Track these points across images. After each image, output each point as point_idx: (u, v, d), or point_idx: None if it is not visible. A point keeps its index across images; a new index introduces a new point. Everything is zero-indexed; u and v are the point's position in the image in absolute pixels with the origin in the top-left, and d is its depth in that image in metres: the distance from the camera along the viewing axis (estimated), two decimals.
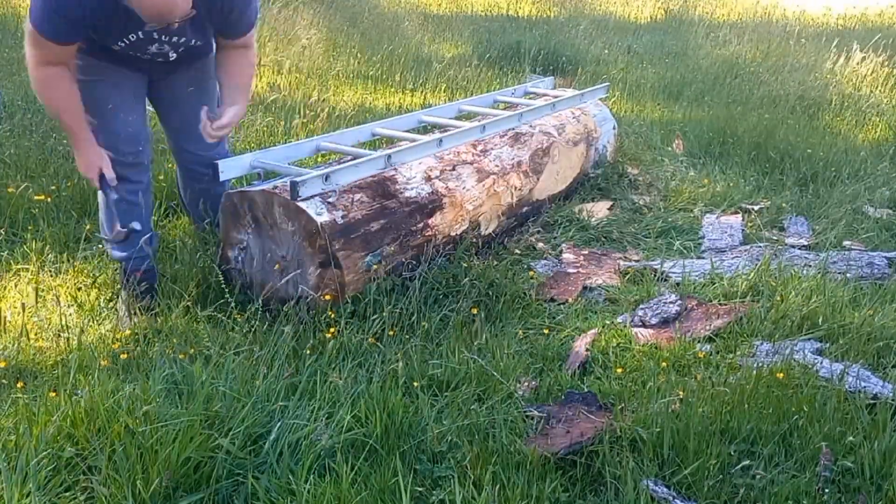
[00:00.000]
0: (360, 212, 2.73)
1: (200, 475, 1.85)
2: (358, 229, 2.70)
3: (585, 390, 2.30)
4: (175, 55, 2.52)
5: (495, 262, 3.16)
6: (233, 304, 2.52)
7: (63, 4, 2.19)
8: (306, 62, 6.65)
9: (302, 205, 2.59)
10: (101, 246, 3.10)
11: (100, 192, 2.66)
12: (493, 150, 3.48)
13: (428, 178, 3.07)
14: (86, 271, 2.89)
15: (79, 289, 2.79)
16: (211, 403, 2.01)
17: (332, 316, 2.54)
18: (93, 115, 2.49)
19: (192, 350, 2.38)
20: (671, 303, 2.86)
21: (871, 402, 2.21)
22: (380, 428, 2.03)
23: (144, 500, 1.74)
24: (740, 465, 1.94)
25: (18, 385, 2.15)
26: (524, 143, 3.65)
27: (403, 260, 2.87)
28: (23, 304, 2.49)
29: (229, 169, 2.80)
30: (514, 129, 3.70)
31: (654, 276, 3.18)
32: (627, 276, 3.21)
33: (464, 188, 3.16)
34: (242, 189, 2.79)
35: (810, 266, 3.17)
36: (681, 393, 2.21)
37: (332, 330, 2.47)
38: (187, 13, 2.22)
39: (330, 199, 2.68)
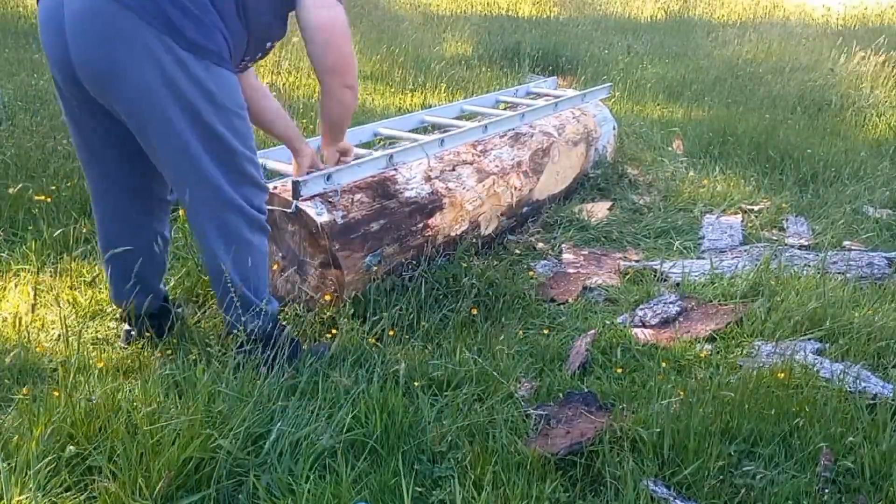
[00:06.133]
0: (360, 212, 2.73)
1: (201, 475, 1.85)
2: (358, 229, 2.70)
3: (585, 390, 2.30)
4: None
5: (495, 262, 3.16)
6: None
7: None
8: (306, 62, 6.64)
9: (302, 205, 2.59)
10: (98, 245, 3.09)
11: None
12: (493, 150, 3.48)
13: (428, 179, 3.07)
14: (84, 270, 2.89)
15: (77, 288, 2.78)
16: (211, 403, 2.01)
17: (332, 316, 2.54)
18: None
19: (193, 350, 2.38)
20: (671, 303, 2.86)
21: (871, 402, 2.21)
22: (380, 428, 2.03)
23: (147, 499, 1.75)
24: (741, 466, 1.94)
25: (25, 387, 2.15)
26: (524, 143, 3.65)
27: (403, 260, 2.87)
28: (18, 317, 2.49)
29: None
30: (514, 129, 3.70)
31: (654, 276, 3.17)
32: (627, 276, 3.21)
33: (464, 188, 3.16)
34: None
35: (810, 266, 3.17)
36: (681, 393, 2.21)
37: (332, 330, 2.47)
38: None
39: (330, 199, 2.69)
